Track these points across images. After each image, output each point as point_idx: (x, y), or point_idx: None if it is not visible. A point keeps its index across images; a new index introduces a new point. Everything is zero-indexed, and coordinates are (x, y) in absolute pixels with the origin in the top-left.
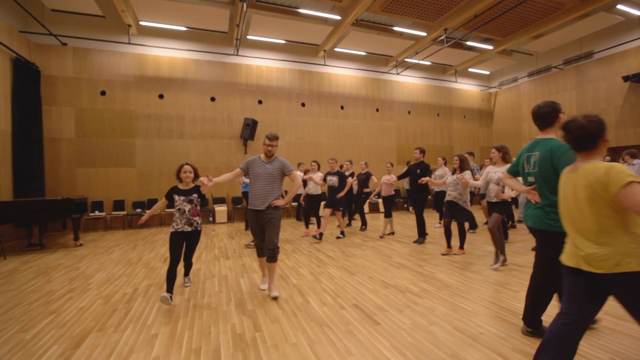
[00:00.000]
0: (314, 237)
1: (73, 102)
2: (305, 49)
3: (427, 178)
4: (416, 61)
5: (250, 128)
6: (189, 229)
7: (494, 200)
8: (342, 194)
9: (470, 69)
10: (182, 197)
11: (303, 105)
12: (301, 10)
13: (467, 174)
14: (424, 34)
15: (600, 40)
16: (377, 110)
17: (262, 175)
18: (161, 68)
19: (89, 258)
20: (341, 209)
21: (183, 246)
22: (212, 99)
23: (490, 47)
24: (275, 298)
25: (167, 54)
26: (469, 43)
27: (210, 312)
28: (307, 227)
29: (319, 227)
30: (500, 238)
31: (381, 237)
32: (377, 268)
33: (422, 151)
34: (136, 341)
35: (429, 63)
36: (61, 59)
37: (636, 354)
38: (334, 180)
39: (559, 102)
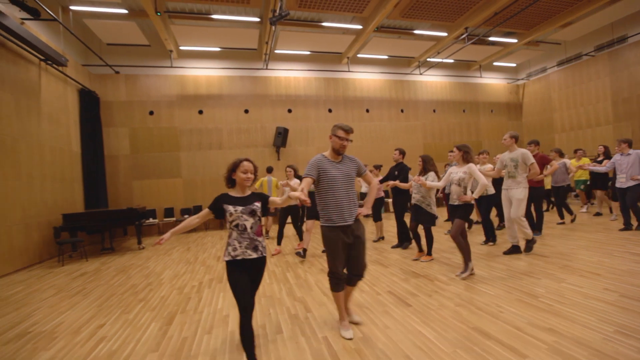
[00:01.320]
0: (298, 254)
1: (127, 123)
2: (329, 58)
3: (394, 182)
4: (439, 60)
5: (282, 136)
6: (254, 255)
7: (455, 203)
8: None
9: (495, 63)
10: (241, 208)
11: (330, 111)
12: (324, 24)
13: (430, 176)
14: (444, 34)
15: (634, 23)
16: (402, 111)
17: (339, 180)
18: (200, 86)
19: (154, 259)
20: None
21: (249, 281)
22: (246, 111)
23: (515, 41)
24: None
25: (204, 73)
26: (491, 39)
27: (266, 299)
28: (278, 243)
29: (301, 240)
30: (465, 245)
31: (375, 241)
32: (407, 261)
33: (402, 152)
34: (213, 320)
35: (452, 61)
36: (115, 85)
37: None
38: None
39: (593, 90)
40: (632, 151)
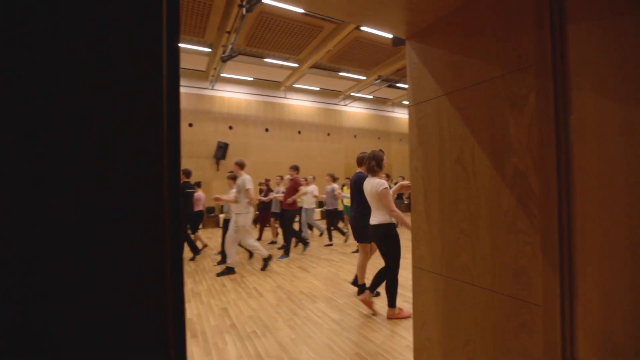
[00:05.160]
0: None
1: None
2: (269, 84)
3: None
4: (361, 95)
5: (222, 150)
6: None
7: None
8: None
9: (404, 102)
10: None
11: (267, 130)
12: (266, 60)
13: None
14: (363, 77)
15: None
16: (329, 134)
17: None
18: None
19: None
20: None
21: None
22: (190, 125)
23: None
24: None
25: None
26: (399, 85)
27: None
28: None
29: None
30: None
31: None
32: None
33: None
34: None
35: (371, 97)
36: None
37: None
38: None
39: None
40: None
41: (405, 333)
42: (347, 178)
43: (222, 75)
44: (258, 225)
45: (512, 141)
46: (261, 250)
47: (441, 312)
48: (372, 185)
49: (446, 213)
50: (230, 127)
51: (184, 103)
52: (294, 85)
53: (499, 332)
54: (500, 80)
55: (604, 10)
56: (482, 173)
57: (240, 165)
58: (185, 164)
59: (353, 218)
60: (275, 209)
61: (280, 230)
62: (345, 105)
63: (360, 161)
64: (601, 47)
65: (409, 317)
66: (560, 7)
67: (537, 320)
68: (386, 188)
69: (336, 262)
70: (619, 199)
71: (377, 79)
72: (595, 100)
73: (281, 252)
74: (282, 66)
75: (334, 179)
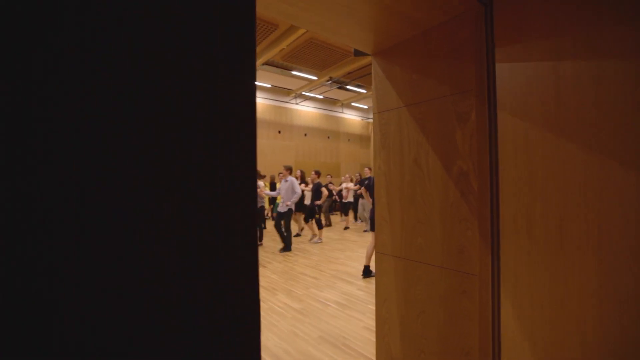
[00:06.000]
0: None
1: None
2: None
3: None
4: (312, 95)
5: None
6: None
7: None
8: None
9: (353, 103)
10: None
11: None
12: None
13: None
14: (315, 77)
15: None
16: (279, 132)
17: None
18: None
19: None
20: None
21: None
22: None
23: (364, 91)
24: None
25: None
26: (349, 87)
27: None
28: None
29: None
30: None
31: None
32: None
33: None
34: None
35: (321, 97)
36: None
37: None
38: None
39: None
40: (289, 178)
41: (361, 317)
42: (266, 175)
43: None
44: None
45: (458, 147)
46: None
47: (400, 288)
48: None
49: (405, 205)
50: None
51: None
52: None
53: (446, 300)
54: (450, 99)
55: (518, 56)
56: (434, 172)
57: None
58: None
59: (372, 211)
60: None
61: None
62: (297, 103)
63: None
64: (515, 80)
65: None
66: (493, 49)
67: (475, 287)
68: None
69: (291, 256)
70: (521, 195)
71: (328, 80)
72: (512, 121)
73: None
74: None
75: (260, 176)
